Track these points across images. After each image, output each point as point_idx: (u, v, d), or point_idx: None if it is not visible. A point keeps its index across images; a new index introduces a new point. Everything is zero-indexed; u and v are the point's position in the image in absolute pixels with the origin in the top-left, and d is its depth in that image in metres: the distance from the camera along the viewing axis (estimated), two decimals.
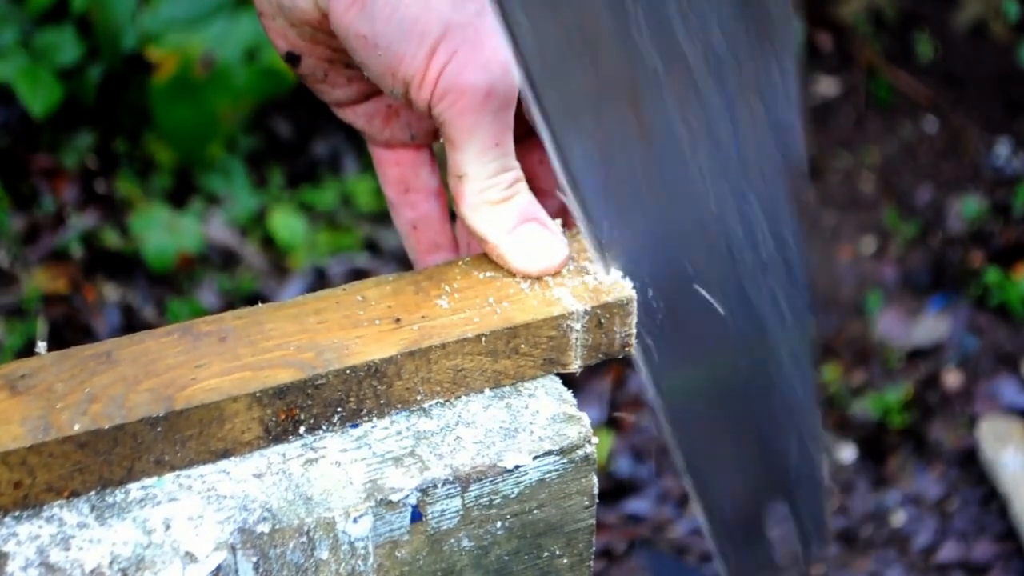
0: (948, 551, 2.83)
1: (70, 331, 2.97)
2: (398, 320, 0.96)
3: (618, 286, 1.00)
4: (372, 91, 1.09)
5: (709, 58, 1.00)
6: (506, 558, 0.96)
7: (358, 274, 3.15)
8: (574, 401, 0.98)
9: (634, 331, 1.01)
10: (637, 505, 2.91)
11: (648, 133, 1.00)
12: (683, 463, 1.10)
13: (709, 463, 1.12)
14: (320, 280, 3.20)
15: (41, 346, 0.93)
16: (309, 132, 3.48)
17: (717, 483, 1.14)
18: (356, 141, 3.46)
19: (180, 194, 3.29)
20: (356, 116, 1.11)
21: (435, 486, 0.91)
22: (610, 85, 0.98)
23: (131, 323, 3.03)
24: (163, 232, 3.13)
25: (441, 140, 1.02)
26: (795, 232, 1.10)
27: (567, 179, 0.99)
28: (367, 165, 3.42)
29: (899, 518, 2.91)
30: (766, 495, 1.18)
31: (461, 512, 0.93)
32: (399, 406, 0.95)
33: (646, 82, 0.98)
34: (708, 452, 1.12)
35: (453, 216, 1.09)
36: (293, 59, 1.06)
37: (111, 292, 3.11)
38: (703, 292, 1.06)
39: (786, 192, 1.08)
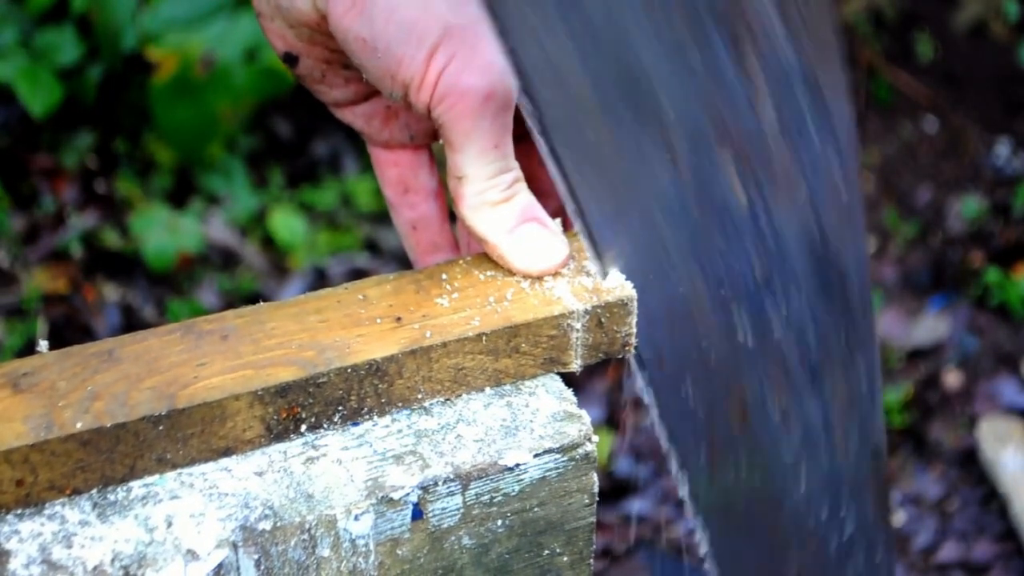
0: (948, 551, 2.83)
1: (70, 331, 2.97)
2: (399, 319, 0.96)
3: (619, 286, 1.00)
4: (370, 92, 1.09)
5: (803, 353, 1.07)
6: (507, 556, 0.96)
7: (358, 274, 3.15)
8: (574, 399, 0.98)
9: (634, 330, 1.01)
10: (637, 505, 2.91)
11: (749, 424, 1.07)
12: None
13: None
14: (320, 280, 3.20)
15: (43, 344, 0.93)
16: (309, 132, 3.48)
17: None
18: (356, 141, 3.46)
19: (180, 194, 3.29)
20: (355, 117, 1.12)
21: (436, 484, 0.91)
22: (720, 384, 1.06)
23: (131, 323, 3.03)
24: (163, 232, 3.13)
25: (440, 141, 1.02)
26: (881, 525, 1.18)
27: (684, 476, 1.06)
28: (367, 165, 3.42)
29: (899, 518, 2.91)
30: None
31: (462, 510, 0.93)
32: (400, 404, 0.96)
33: (750, 378, 1.06)
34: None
35: (452, 217, 1.09)
36: (291, 60, 1.06)
37: (111, 292, 3.11)
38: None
39: (868, 474, 1.16)
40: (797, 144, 1.04)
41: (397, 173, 1.14)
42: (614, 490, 2.91)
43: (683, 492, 1.06)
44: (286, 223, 3.26)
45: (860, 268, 1.10)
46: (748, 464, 1.09)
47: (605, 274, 1.01)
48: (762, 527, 1.13)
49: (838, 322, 1.10)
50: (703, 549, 1.10)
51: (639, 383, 1.03)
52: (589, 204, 0.99)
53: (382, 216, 3.33)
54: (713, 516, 1.09)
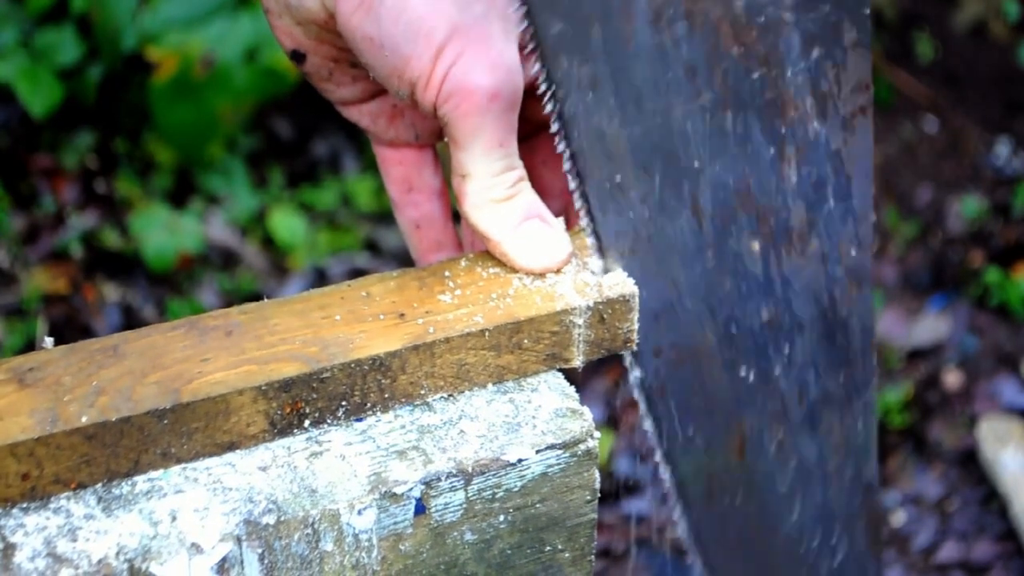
0: (948, 551, 2.83)
1: (70, 331, 2.97)
2: (402, 315, 0.97)
3: (620, 282, 1.01)
4: (377, 90, 1.10)
5: (803, 397, 1.11)
6: (508, 552, 0.96)
7: (358, 274, 3.15)
8: (576, 396, 0.99)
9: (636, 326, 1.02)
10: (637, 505, 2.91)
11: (746, 456, 1.11)
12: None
13: None
14: (320, 280, 3.20)
15: (48, 341, 0.94)
16: (309, 132, 3.48)
17: None
18: (356, 141, 3.46)
19: (180, 194, 3.29)
20: (361, 115, 1.12)
21: (439, 479, 0.92)
22: (720, 417, 1.09)
23: (131, 323, 3.03)
24: (163, 232, 3.13)
25: (445, 139, 1.03)
26: (872, 559, 1.20)
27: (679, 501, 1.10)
28: (367, 165, 3.43)
29: (899, 518, 2.91)
30: None
31: (464, 505, 0.93)
32: (403, 400, 0.96)
33: (741, 395, 1.09)
34: None
35: (456, 216, 1.10)
36: (298, 57, 1.06)
37: (111, 292, 3.11)
38: None
39: (860, 507, 1.19)
40: (814, 207, 1.08)
41: (402, 172, 1.14)
42: (614, 490, 2.91)
43: (679, 521, 1.09)
44: (286, 223, 3.26)
45: (864, 320, 1.13)
46: (744, 493, 1.12)
47: (607, 271, 1.02)
48: (755, 551, 1.16)
49: (838, 368, 1.13)
50: (696, 571, 1.12)
51: (642, 414, 1.05)
52: (609, 240, 1.01)
53: (382, 216, 3.33)
54: (708, 540, 1.10)
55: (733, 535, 1.14)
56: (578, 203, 1.02)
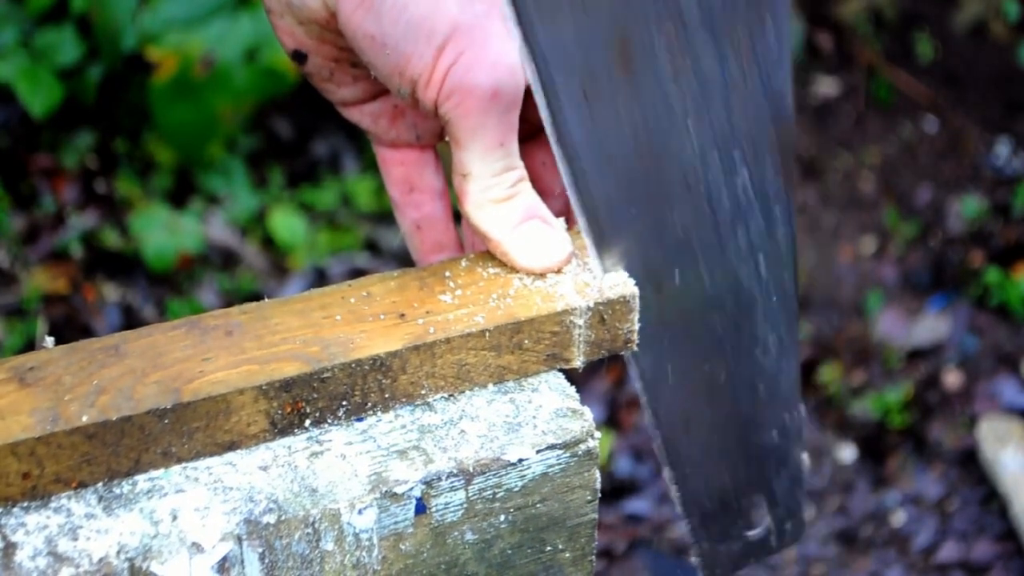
0: (948, 551, 2.84)
1: (70, 331, 2.97)
2: (403, 315, 0.97)
3: (621, 283, 1.01)
4: (378, 91, 1.10)
5: (704, 14, 1.01)
6: (509, 551, 0.96)
7: (358, 274, 3.15)
8: (577, 396, 0.99)
9: (636, 327, 1.02)
10: (637, 505, 2.91)
11: (637, 85, 1.00)
12: (663, 451, 1.11)
13: (689, 451, 1.13)
14: (320, 280, 3.20)
15: (49, 340, 0.94)
16: (309, 132, 3.48)
17: (696, 471, 1.14)
18: (356, 141, 3.46)
19: (180, 194, 3.30)
20: (362, 115, 1.12)
21: (439, 479, 0.92)
22: (601, 32, 0.98)
23: (131, 323, 3.03)
24: (163, 232, 3.13)
25: (446, 139, 1.03)
26: (784, 203, 1.11)
27: (559, 145, 0.99)
28: (367, 165, 3.43)
29: (899, 518, 2.91)
30: (745, 487, 1.19)
31: (465, 505, 0.93)
32: (404, 400, 0.96)
33: (638, 30, 0.99)
34: (688, 440, 1.13)
35: (457, 217, 1.10)
36: (300, 57, 1.06)
37: (111, 292, 3.11)
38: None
39: (775, 152, 1.09)
40: None
41: (403, 172, 1.14)
42: (614, 490, 2.91)
43: (551, 135, 0.99)
44: (286, 223, 3.26)
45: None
46: (628, 111, 1.02)
47: (606, 271, 1.02)
48: (646, 177, 1.05)
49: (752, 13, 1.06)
50: (568, 188, 1.01)
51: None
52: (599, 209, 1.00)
53: (382, 216, 3.33)
54: (588, 159, 1.01)
55: (613, 152, 1.02)
56: (565, 176, 0.99)
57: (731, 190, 1.07)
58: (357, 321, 0.96)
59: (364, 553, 0.91)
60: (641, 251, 1.03)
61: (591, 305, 0.99)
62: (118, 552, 0.84)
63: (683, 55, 1.01)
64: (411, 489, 0.91)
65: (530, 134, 1.08)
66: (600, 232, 1.01)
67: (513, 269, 1.02)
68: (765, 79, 1.06)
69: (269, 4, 1.04)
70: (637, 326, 1.02)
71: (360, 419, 0.95)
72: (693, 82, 1.02)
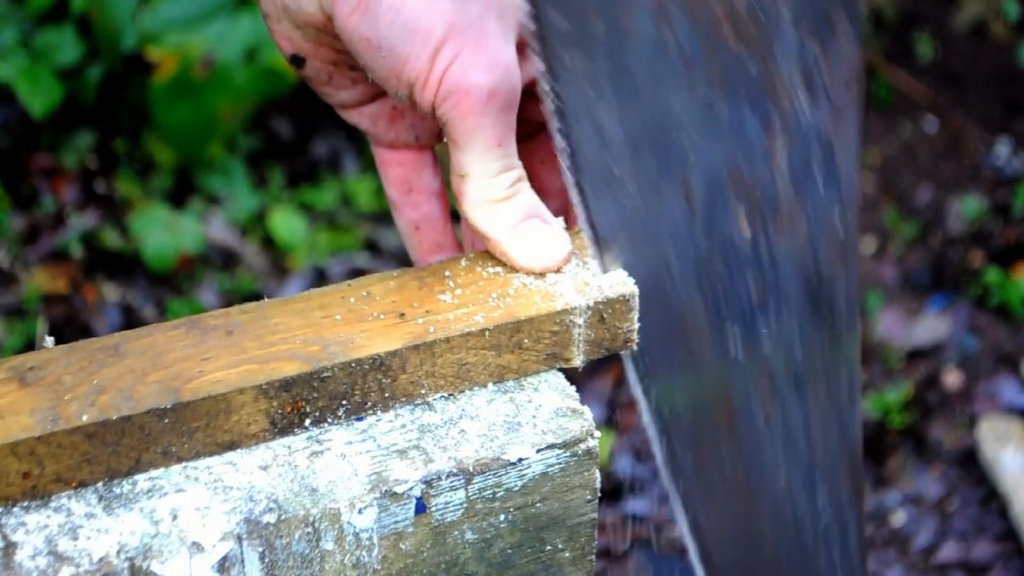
0: (948, 551, 2.84)
1: (70, 331, 2.97)
2: (402, 315, 0.97)
3: (620, 282, 1.01)
4: (377, 93, 1.10)
5: (789, 366, 1.13)
6: (509, 551, 0.96)
7: (358, 274, 3.14)
8: (577, 396, 0.99)
9: (636, 326, 1.02)
10: (637, 505, 2.91)
11: (735, 427, 1.12)
12: None
13: None
14: (320, 280, 3.20)
15: (49, 340, 0.94)
16: (309, 132, 3.48)
17: None
18: (356, 141, 3.46)
19: (180, 194, 3.30)
20: (361, 118, 1.12)
21: (439, 478, 0.92)
22: (710, 393, 1.11)
23: (131, 323, 3.03)
24: (163, 232, 3.13)
25: (444, 140, 1.03)
26: (854, 514, 1.22)
27: (669, 472, 1.10)
28: (367, 165, 3.43)
29: (899, 518, 2.91)
30: None
31: (465, 504, 0.93)
32: (404, 400, 0.96)
33: (730, 368, 1.10)
34: None
35: (456, 217, 1.10)
36: (298, 61, 1.06)
37: (111, 292, 3.11)
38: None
39: (846, 467, 1.20)
40: (803, 189, 1.10)
41: (401, 173, 1.14)
42: (614, 490, 2.91)
43: (670, 492, 1.10)
44: (286, 223, 3.26)
45: (850, 296, 1.16)
46: (731, 462, 1.14)
47: (606, 270, 1.02)
48: (744, 521, 1.18)
49: (824, 340, 1.16)
50: (682, 532, 1.14)
51: (631, 384, 1.06)
52: (603, 228, 1.02)
53: (382, 216, 3.33)
54: (699, 517, 1.12)
55: (723, 506, 1.16)
56: (573, 195, 1.02)
57: (811, 508, 1.20)
58: (357, 321, 0.96)
59: (364, 552, 0.91)
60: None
61: (591, 304, 0.99)
62: (118, 551, 0.84)
63: (774, 409, 1.14)
64: (411, 488, 0.91)
65: (529, 133, 1.08)
66: None
67: (512, 268, 1.02)
68: (838, 413, 1.19)
69: (266, 9, 1.04)
70: (637, 325, 1.02)
71: (360, 418, 0.95)
72: (780, 426, 1.14)
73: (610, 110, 1.00)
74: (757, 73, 1.04)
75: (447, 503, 0.92)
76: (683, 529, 1.13)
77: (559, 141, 1.00)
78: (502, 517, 0.95)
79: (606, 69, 0.99)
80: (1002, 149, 3.70)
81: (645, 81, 1.01)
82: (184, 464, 0.90)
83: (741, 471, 1.14)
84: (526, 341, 0.98)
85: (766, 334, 1.11)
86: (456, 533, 0.94)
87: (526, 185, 1.03)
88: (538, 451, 0.94)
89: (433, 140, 1.13)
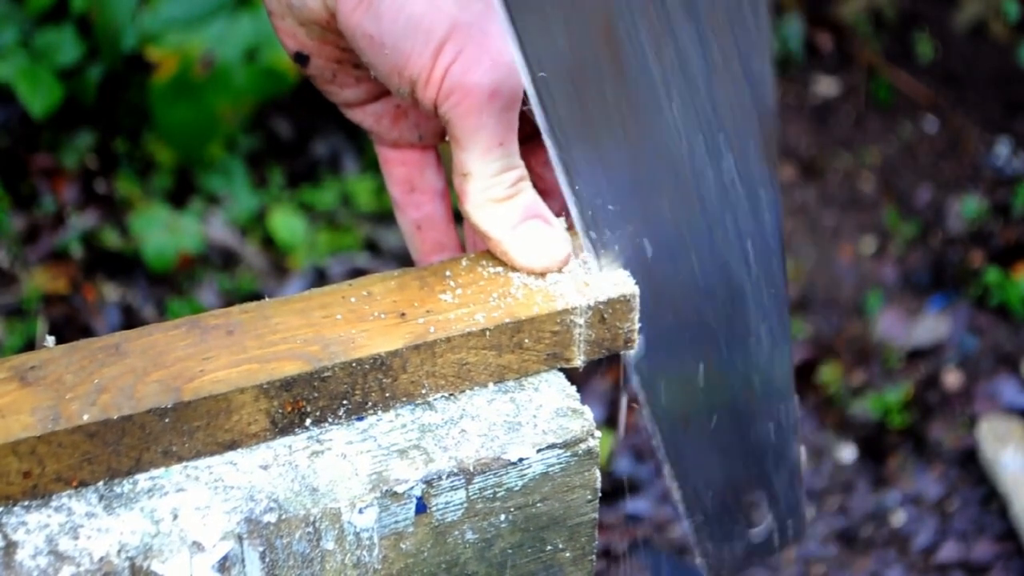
0: (948, 551, 2.84)
1: (70, 331, 2.97)
2: (403, 314, 0.97)
3: (621, 282, 1.01)
4: (381, 91, 1.10)
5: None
6: (509, 551, 0.96)
7: (358, 274, 3.15)
8: (577, 396, 0.99)
9: (637, 326, 1.02)
10: (637, 505, 2.91)
11: (623, 71, 1.01)
12: (662, 448, 1.11)
13: (688, 448, 1.13)
14: (320, 280, 3.20)
15: (50, 340, 0.94)
16: (309, 132, 3.48)
17: (696, 469, 1.15)
18: (356, 141, 3.46)
19: (180, 194, 3.30)
20: (365, 116, 1.12)
21: (440, 478, 0.92)
22: (588, 21, 0.98)
23: (131, 323, 3.03)
24: (163, 232, 3.13)
25: (447, 139, 1.03)
26: (769, 189, 1.11)
27: (551, 139, 0.99)
28: (367, 165, 3.43)
29: (899, 518, 2.91)
30: (745, 484, 1.19)
31: (465, 504, 0.93)
32: (404, 399, 0.96)
33: (621, 17, 0.99)
34: (687, 437, 1.13)
35: (458, 217, 1.10)
36: (302, 59, 1.06)
37: (111, 292, 3.11)
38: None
39: (757, 137, 1.09)
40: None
41: (404, 172, 1.14)
42: (614, 490, 2.91)
43: (543, 128, 1.00)
44: (286, 223, 3.26)
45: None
46: (615, 96, 1.03)
47: (601, 266, 1.02)
48: (635, 165, 1.06)
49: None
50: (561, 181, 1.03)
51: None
52: (595, 210, 1.01)
53: (382, 216, 3.33)
54: (579, 150, 1.02)
55: (601, 140, 1.04)
56: (559, 172, 0.99)
57: (717, 176, 1.07)
58: (358, 320, 0.96)
59: (365, 552, 0.91)
60: (634, 243, 1.04)
61: (591, 304, 0.99)
62: (119, 551, 0.84)
63: (665, 40, 1.01)
64: (411, 488, 0.91)
65: (531, 133, 1.08)
66: (594, 225, 1.01)
67: (513, 268, 1.02)
68: (746, 64, 1.06)
69: (270, 6, 1.04)
70: (638, 325, 1.02)
71: (361, 418, 0.95)
72: (676, 67, 1.02)
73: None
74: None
75: (448, 503, 0.92)
76: (565, 190, 1.02)
77: (539, 117, 0.97)
78: (502, 517, 0.95)
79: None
80: (1002, 149, 3.70)
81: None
82: (185, 464, 0.90)
83: (629, 112, 1.03)
84: (527, 341, 0.98)
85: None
86: (456, 533, 0.94)
87: (528, 185, 1.03)
88: (539, 451, 0.94)
89: (437, 139, 1.13)
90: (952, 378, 3.16)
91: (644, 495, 2.93)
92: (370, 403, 0.95)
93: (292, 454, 0.92)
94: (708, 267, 1.08)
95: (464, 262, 1.02)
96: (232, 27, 3.14)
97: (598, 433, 0.96)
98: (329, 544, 0.89)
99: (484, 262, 1.02)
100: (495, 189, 1.01)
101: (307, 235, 3.27)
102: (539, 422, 0.96)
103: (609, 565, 2.76)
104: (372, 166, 3.41)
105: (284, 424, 0.92)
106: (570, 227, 1.05)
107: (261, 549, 0.87)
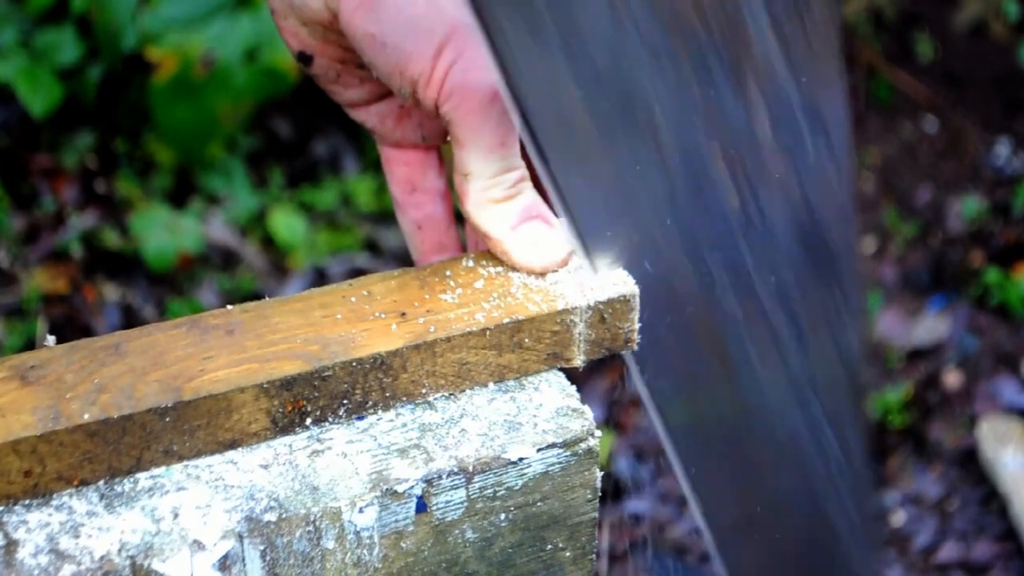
0: (948, 551, 2.84)
1: (70, 331, 2.97)
2: (403, 314, 0.97)
3: (621, 282, 1.01)
4: (384, 91, 1.10)
5: (780, 295, 1.12)
6: (510, 550, 0.96)
7: (358, 274, 3.14)
8: (577, 395, 0.99)
9: (637, 326, 1.02)
10: (637, 505, 2.91)
11: (730, 369, 1.11)
12: None
13: None
14: (320, 280, 3.20)
15: (50, 339, 0.94)
16: (309, 132, 3.48)
17: None
18: (356, 141, 3.46)
19: (180, 194, 3.30)
20: (368, 116, 1.12)
21: (440, 477, 0.92)
22: (698, 339, 1.08)
23: (131, 323, 3.03)
24: (163, 232, 3.13)
25: (449, 139, 1.03)
26: (860, 443, 1.21)
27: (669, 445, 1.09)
28: (367, 165, 3.43)
29: (899, 518, 2.91)
30: None
31: (465, 503, 0.93)
32: (404, 399, 0.96)
33: (728, 327, 1.09)
34: None
35: (459, 218, 1.10)
36: (305, 59, 1.06)
37: (111, 292, 3.11)
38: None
39: (851, 407, 1.20)
40: (792, 155, 1.09)
41: (406, 172, 1.14)
42: (614, 490, 2.91)
43: (672, 462, 1.09)
44: (286, 223, 3.26)
45: (850, 244, 1.17)
46: (733, 415, 1.14)
47: (596, 269, 1.02)
48: (743, 461, 1.17)
49: (825, 292, 1.15)
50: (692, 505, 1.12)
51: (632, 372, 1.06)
52: (582, 211, 1.01)
53: (382, 216, 3.33)
54: (699, 474, 1.11)
55: (724, 462, 1.15)
56: (546, 183, 1.00)
57: (814, 435, 1.18)
58: (358, 320, 0.96)
59: (365, 551, 0.91)
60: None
61: (591, 304, 0.99)
62: (119, 550, 0.84)
63: (765, 334, 1.12)
64: (412, 487, 0.91)
65: None
66: None
67: (513, 268, 1.02)
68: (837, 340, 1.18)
69: (273, 5, 1.04)
70: (637, 325, 1.02)
71: (361, 417, 0.95)
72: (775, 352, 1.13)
73: (565, 79, 0.97)
74: (729, 57, 1.03)
75: (448, 502, 0.93)
76: (690, 503, 1.12)
77: (518, 120, 0.98)
78: (503, 516, 0.95)
79: (566, 67, 0.98)
80: (1002, 149, 3.70)
81: (600, 46, 0.98)
82: (185, 463, 0.90)
83: (743, 421, 1.14)
84: (527, 341, 0.98)
85: (763, 291, 1.10)
86: (457, 532, 0.94)
87: (528, 185, 1.03)
88: (539, 450, 0.94)
89: (439, 140, 1.13)
90: (952, 378, 3.15)
91: (644, 495, 2.93)
92: (370, 402, 0.95)
93: (292, 453, 0.92)
94: (804, 510, 1.23)
95: (464, 262, 1.03)
96: (232, 27, 3.14)
97: (598, 432, 0.96)
98: (329, 543, 0.89)
99: (485, 262, 1.03)
100: (496, 189, 1.01)
101: (307, 235, 3.27)
102: (539, 421, 0.96)
103: (609, 565, 2.76)
104: (372, 166, 3.41)
105: (284, 423, 0.92)
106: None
107: (262, 548, 0.87)
